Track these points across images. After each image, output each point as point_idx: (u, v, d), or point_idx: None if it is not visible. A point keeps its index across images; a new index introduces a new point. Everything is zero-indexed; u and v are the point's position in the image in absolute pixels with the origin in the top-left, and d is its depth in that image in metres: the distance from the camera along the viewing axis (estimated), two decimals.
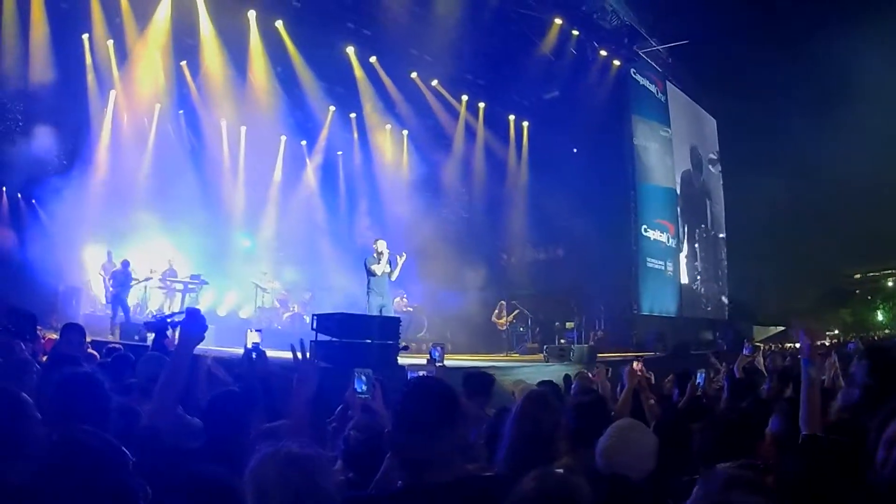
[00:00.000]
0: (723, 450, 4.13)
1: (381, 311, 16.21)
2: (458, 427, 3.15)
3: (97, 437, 3.18)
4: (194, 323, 4.25)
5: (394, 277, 16.89)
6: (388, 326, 13.55)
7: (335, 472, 2.70)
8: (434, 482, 3.01)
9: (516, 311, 25.30)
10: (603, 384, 8.59)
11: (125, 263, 20.74)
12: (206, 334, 4.37)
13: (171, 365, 4.19)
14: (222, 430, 4.11)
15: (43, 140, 21.81)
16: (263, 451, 2.71)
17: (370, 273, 16.39)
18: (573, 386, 9.15)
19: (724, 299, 37.19)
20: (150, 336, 13.11)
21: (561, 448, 4.29)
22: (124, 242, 22.43)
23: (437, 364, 7.50)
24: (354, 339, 12.25)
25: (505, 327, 25.01)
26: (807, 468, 3.39)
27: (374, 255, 16.49)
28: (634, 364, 7.98)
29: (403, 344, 15.17)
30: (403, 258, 16.93)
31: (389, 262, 16.59)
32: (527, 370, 15.74)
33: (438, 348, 7.04)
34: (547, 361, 18.96)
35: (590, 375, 9.63)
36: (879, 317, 65.23)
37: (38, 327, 10.21)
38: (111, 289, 20.33)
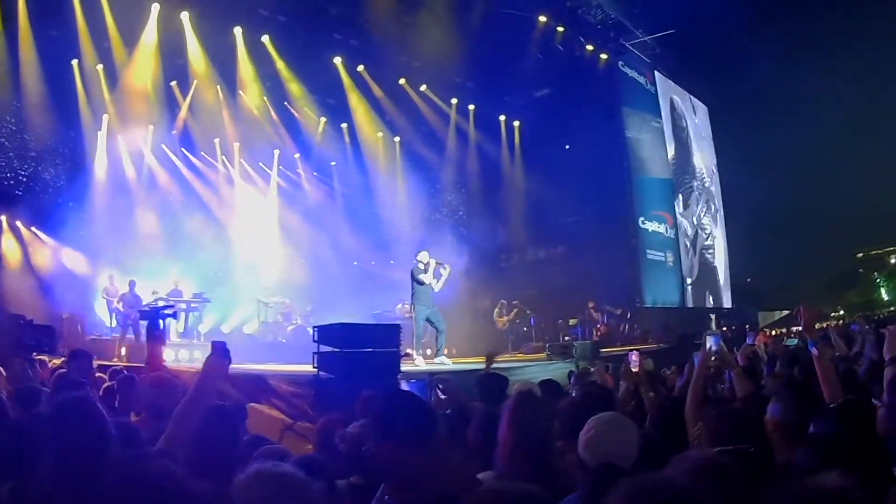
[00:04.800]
0: (729, 436, 4.22)
1: (427, 318, 16.66)
2: (433, 442, 3.13)
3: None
4: (220, 358, 4.28)
5: (437, 289, 17.07)
6: (389, 334, 13.55)
7: (320, 494, 2.73)
8: (415, 501, 3.03)
9: (516, 310, 25.36)
10: (603, 380, 8.67)
11: (132, 284, 20.94)
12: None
13: (192, 396, 4.20)
14: (210, 445, 4.14)
15: (40, 168, 21.99)
16: (250, 469, 2.73)
17: (418, 283, 16.63)
18: (571, 379, 9.24)
19: (728, 287, 37.22)
20: (144, 324, 13.40)
21: (557, 447, 4.36)
22: (126, 265, 22.54)
23: (443, 397, 7.55)
24: (356, 348, 12.29)
25: (506, 327, 25.08)
26: (844, 431, 3.50)
27: (420, 265, 16.74)
28: (632, 356, 8.00)
29: (406, 351, 15.25)
30: (448, 270, 17.21)
31: (434, 273, 16.86)
32: (531, 369, 15.69)
33: (441, 386, 7.05)
34: (550, 359, 18.92)
35: (591, 371, 9.72)
36: (884, 295, 65.07)
37: (38, 353, 10.36)
38: (123, 310, 20.54)
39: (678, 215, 32.49)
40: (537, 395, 4.53)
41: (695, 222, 34.41)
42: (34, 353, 9.35)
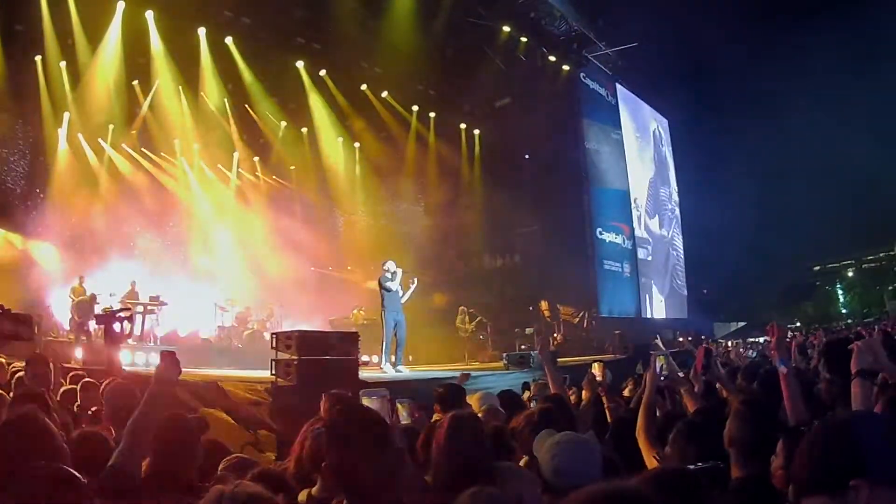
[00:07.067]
0: (691, 451, 4.26)
1: (395, 325, 16.67)
2: (385, 455, 3.08)
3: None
4: (170, 367, 4.16)
5: (404, 301, 17.16)
6: (347, 341, 13.52)
7: None
8: None
9: (478, 318, 25.31)
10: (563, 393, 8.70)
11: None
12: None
13: (144, 407, 4.03)
14: (168, 457, 4.05)
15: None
16: (217, 490, 2.56)
17: (386, 290, 16.68)
18: (531, 390, 9.27)
19: (684, 298, 37.49)
20: (100, 329, 13.29)
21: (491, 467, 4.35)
22: (85, 266, 22.36)
23: (402, 422, 7.40)
24: (314, 355, 12.26)
25: (466, 334, 25.04)
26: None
27: (387, 273, 16.80)
28: (595, 367, 8.06)
29: (364, 358, 15.25)
30: (415, 284, 17.35)
31: (400, 284, 17.01)
32: (488, 379, 15.68)
33: (407, 401, 6.87)
34: (507, 369, 18.89)
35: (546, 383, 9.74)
36: (840, 307, 65.86)
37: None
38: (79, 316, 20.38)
39: (635, 226, 32.74)
40: (475, 418, 4.46)
41: (667, 242, 34.92)
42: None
